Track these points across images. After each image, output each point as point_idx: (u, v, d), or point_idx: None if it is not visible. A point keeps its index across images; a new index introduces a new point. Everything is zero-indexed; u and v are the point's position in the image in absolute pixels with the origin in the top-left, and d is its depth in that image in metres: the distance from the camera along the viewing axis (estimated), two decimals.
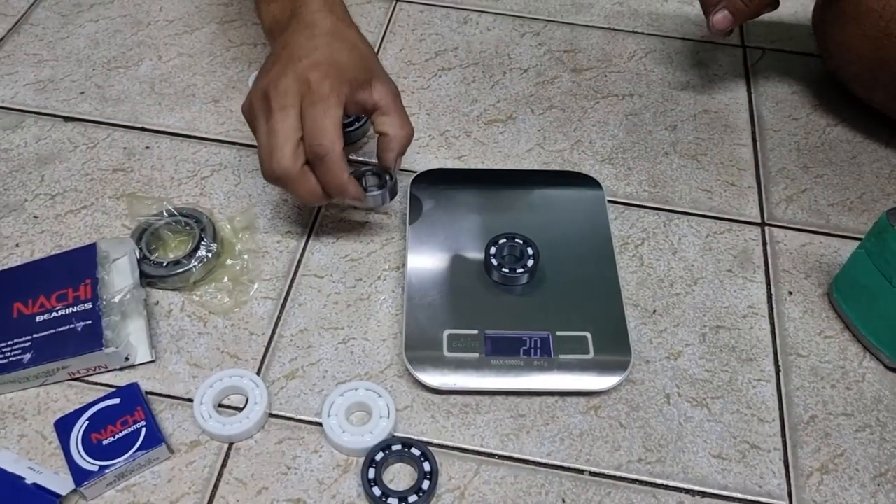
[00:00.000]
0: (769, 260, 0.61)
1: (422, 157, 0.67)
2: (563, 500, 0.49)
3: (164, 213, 0.59)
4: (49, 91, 0.70)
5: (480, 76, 0.73)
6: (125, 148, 0.66)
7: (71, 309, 0.52)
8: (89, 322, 0.51)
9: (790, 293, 0.59)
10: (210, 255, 0.57)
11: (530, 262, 0.57)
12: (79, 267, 0.54)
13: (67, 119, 0.68)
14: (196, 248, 0.57)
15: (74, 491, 0.47)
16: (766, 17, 0.80)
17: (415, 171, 0.63)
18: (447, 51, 0.75)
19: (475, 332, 0.54)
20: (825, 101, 0.73)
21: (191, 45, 0.74)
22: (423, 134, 0.68)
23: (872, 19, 0.60)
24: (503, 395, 0.53)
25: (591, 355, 0.53)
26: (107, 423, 0.49)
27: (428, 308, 0.55)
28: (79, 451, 0.48)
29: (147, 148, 0.66)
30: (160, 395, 0.52)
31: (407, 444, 0.50)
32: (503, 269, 0.56)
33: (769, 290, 0.60)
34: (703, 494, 0.50)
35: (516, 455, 0.51)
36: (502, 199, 0.62)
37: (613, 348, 0.54)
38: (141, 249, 0.57)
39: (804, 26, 0.79)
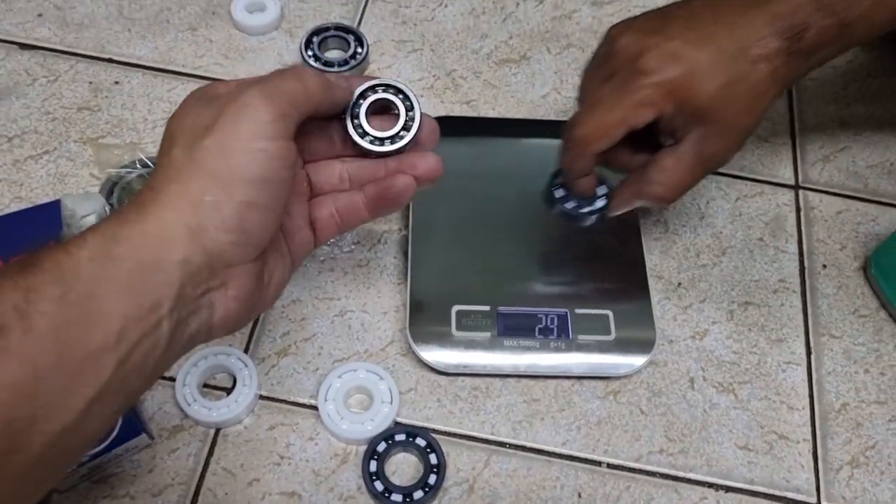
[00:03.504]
0: (803, 228, 0.56)
1: (427, 102, 0.60)
2: (580, 495, 0.46)
3: (137, 164, 0.52)
4: (1, 12, 0.61)
5: (491, 7, 0.66)
6: (91, 83, 0.58)
7: None
8: None
9: (824, 266, 0.55)
10: None
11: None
12: (41, 227, 0.48)
13: (24, 47, 0.60)
14: None
15: None
16: None
17: None
18: None
19: (486, 308, 0.49)
20: (867, 48, 0.66)
21: None
22: (427, 74, 0.61)
23: None
24: (515, 378, 0.49)
25: (612, 336, 0.49)
26: None
27: (434, 279, 0.50)
28: None
29: (116, 83, 0.59)
30: None
31: (412, 433, 0.45)
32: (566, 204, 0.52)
33: (802, 262, 0.55)
34: (728, 489, 0.46)
35: (529, 444, 0.47)
36: (517, 154, 0.56)
37: (637, 327, 0.49)
38: (112, 206, 0.51)
39: None
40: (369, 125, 0.39)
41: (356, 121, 0.39)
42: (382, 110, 0.40)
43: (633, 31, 0.45)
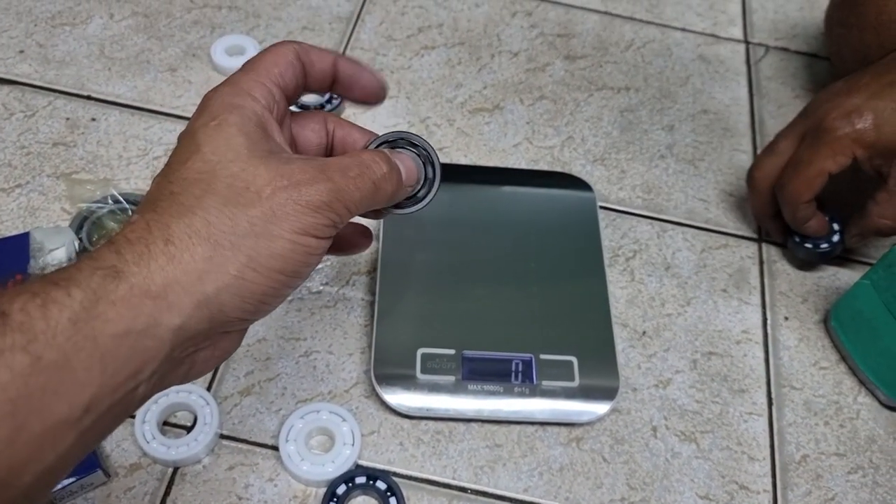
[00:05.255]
0: (766, 280, 0.57)
1: None
2: None
3: (109, 200, 0.53)
4: None
5: (466, 58, 0.67)
6: (68, 119, 0.59)
7: None
8: None
9: (786, 318, 0.56)
10: None
11: None
12: (8, 259, 0.48)
13: (2, 81, 0.61)
14: None
15: None
16: (771, 11, 0.76)
17: None
18: (431, 27, 0.69)
19: (452, 351, 0.49)
20: None
21: (147, 3, 0.67)
22: (402, 120, 0.63)
23: (894, 31, 0.55)
24: (479, 423, 0.49)
25: (576, 382, 0.49)
26: None
27: (401, 321, 0.50)
28: None
29: (93, 120, 0.59)
30: None
31: (372, 476, 0.45)
32: (806, 244, 0.56)
33: (764, 314, 0.56)
34: None
35: (490, 490, 0.47)
36: (487, 200, 0.57)
37: (600, 374, 0.50)
38: (81, 240, 0.51)
39: (811, 24, 0.74)
40: None
41: None
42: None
43: (822, 97, 0.53)
